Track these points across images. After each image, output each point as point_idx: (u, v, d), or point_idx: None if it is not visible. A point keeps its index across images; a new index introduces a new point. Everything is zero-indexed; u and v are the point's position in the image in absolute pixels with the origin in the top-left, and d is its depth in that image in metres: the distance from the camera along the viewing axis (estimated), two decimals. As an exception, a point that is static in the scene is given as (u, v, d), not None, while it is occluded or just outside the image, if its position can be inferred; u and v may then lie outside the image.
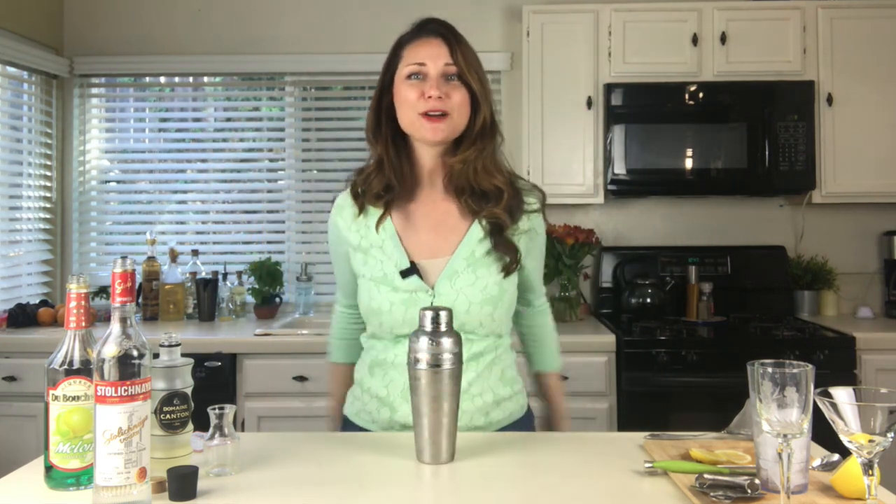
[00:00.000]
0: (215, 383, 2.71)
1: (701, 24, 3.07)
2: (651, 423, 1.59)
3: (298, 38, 3.46)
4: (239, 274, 3.34)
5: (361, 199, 1.50)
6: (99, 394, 1.03)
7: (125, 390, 1.03)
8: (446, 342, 1.23)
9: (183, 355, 1.22)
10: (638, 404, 2.69)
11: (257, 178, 3.55)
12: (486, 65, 1.52)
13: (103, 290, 3.31)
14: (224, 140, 3.59)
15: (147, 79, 3.57)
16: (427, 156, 1.50)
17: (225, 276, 3.31)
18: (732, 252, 3.33)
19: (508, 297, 1.48)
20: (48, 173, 3.45)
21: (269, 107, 3.61)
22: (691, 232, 3.42)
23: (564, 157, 3.11)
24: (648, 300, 3.15)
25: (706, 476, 1.09)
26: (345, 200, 1.54)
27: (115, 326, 1.05)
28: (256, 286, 3.30)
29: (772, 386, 0.95)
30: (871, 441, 0.93)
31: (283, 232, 3.52)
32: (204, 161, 3.56)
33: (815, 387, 0.97)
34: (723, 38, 3.06)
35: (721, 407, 1.55)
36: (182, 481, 1.08)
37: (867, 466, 0.94)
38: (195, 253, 3.35)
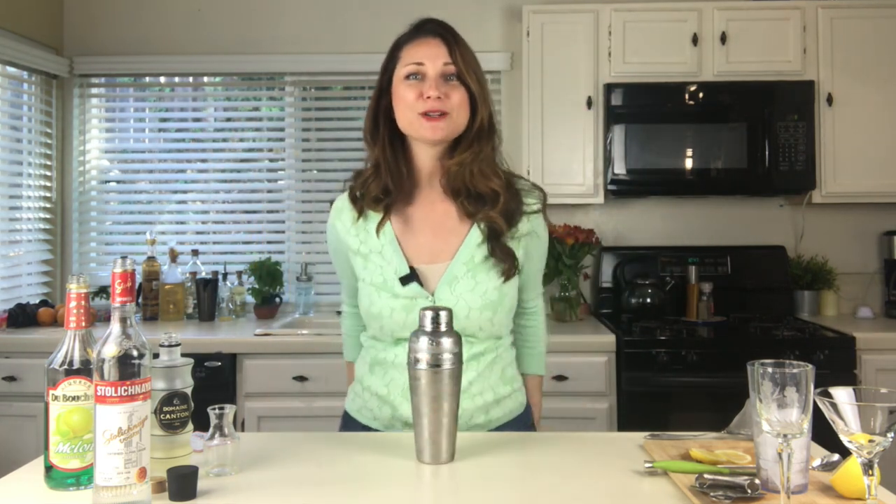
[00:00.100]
0: (215, 383, 2.71)
1: (701, 24, 3.07)
2: (651, 423, 1.59)
3: (298, 38, 3.46)
4: (239, 274, 3.34)
5: (360, 203, 1.49)
6: (99, 394, 1.03)
7: (125, 390, 1.03)
8: (446, 342, 1.23)
9: (183, 355, 1.22)
10: (638, 404, 2.69)
11: (257, 178, 3.55)
12: (485, 65, 1.52)
13: (103, 290, 3.32)
14: (224, 140, 3.59)
15: (147, 79, 3.57)
16: (425, 157, 1.49)
17: (225, 276, 3.31)
18: (732, 252, 3.33)
19: (508, 300, 1.47)
20: (48, 173, 3.45)
21: (269, 107, 3.61)
22: (691, 232, 3.42)
23: (564, 157, 3.11)
24: (648, 300, 3.15)
25: (706, 476, 1.09)
26: (343, 204, 1.53)
27: (115, 326, 1.05)
28: (256, 286, 3.30)
29: (772, 386, 0.95)
30: (871, 441, 0.93)
31: (283, 232, 3.52)
32: (204, 161, 3.56)
33: (815, 387, 0.97)
34: (723, 38, 3.06)
35: (721, 407, 1.55)
36: (182, 481, 1.08)
37: (867, 466, 0.94)
38: (195, 253, 3.35)
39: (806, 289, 3.28)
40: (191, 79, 3.59)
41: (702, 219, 3.42)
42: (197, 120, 3.61)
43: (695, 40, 3.06)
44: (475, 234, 1.46)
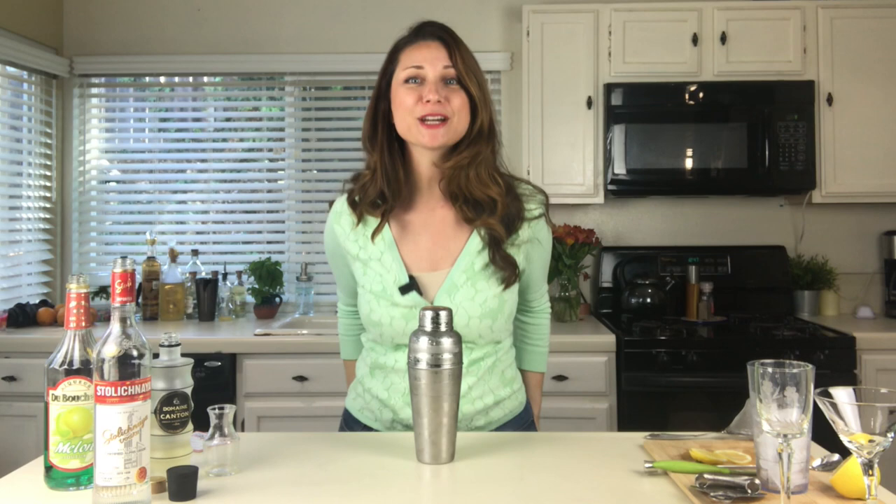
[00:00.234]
0: (215, 383, 2.71)
1: (701, 23, 3.07)
2: (651, 423, 1.59)
3: (298, 38, 3.46)
4: (239, 274, 3.34)
5: (359, 208, 1.47)
6: (99, 394, 1.03)
7: (125, 390, 1.03)
8: (446, 342, 1.23)
9: (183, 355, 1.22)
10: (638, 404, 2.69)
11: (257, 178, 3.55)
12: (485, 65, 1.51)
13: (103, 290, 3.32)
14: (224, 140, 3.59)
15: (147, 79, 3.57)
16: (424, 162, 1.46)
17: (225, 276, 3.31)
18: (732, 252, 3.33)
19: (508, 307, 1.46)
20: (48, 173, 3.45)
21: (269, 107, 3.61)
22: (691, 232, 3.42)
23: (564, 157, 3.11)
24: (648, 300, 3.15)
25: (706, 476, 1.09)
26: (342, 207, 1.51)
27: (115, 326, 1.05)
28: (256, 286, 3.30)
29: (772, 386, 0.95)
30: (871, 441, 0.92)
31: (283, 232, 3.52)
32: (204, 161, 3.56)
33: (815, 387, 0.97)
34: (723, 38, 3.06)
35: (721, 407, 1.55)
36: (182, 481, 1.08)
37: (867, 466, 0.94)
38: (195, 253, 3.35)
39: (806, 289, 3.28)
40: (191, 79, 3.59)
41: (702, 219, 3.42)
42: (197, 120, 3.61)
43: (695, 40, 3.06)
44: (475, 241, 1.44)
